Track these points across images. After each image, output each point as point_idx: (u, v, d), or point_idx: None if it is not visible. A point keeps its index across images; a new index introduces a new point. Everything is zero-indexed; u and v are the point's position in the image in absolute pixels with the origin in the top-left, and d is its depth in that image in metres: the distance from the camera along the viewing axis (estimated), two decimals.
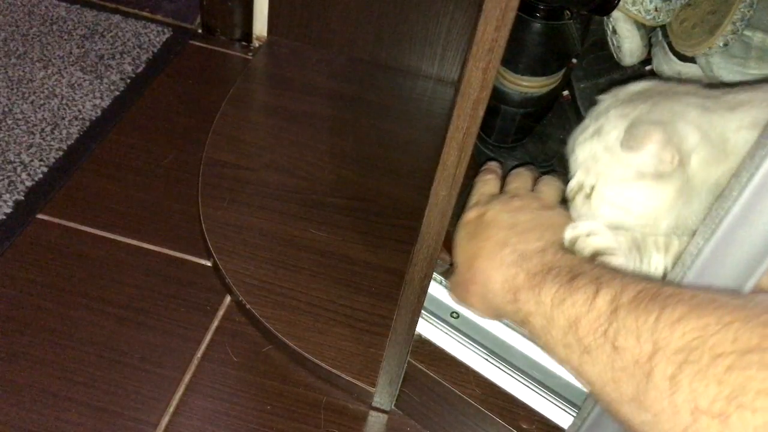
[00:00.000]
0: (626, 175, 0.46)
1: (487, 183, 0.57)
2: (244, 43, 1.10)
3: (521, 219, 0.49)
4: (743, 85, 0.50)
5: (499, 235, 0.48)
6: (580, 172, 0.50)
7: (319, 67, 1.05)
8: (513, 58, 0.71)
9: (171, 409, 0.64)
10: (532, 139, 0.81)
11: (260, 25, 1.09)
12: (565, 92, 0.84)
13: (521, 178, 0.57)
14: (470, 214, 0.53)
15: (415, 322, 0.57)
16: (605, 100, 0.54)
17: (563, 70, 0.75)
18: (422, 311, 0.64)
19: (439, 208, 0.49)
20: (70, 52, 1.00)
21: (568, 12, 0.69)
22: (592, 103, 0.78)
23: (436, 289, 0.67)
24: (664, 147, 0.43)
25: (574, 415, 0.58)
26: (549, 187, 0.55)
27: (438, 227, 0.50)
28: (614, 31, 0.75)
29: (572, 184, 0.50)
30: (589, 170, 0.49)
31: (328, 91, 1.02)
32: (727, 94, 0.48)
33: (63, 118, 0.89)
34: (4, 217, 0.77)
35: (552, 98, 0.77)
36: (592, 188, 0.48)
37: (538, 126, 0.80)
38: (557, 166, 0.81)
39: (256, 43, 1.10)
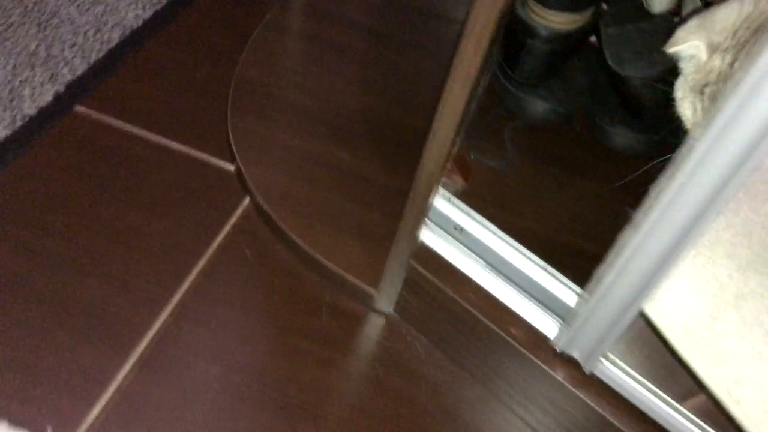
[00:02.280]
0: None
1: None
2: None
3: None
4: None
5: None
6: None
7: (357, 4, 1.07)
8: None
9: (183, 289, 0.69)
10: (556, 79, 0.82)
11: None
12: (593, 38, 0.85)
13: None
14: None
15: (421, 219, 0.60)
16: None
17: (592, 9, 0.76)
18: (429, 223, 0.68)
19: (453, 105, 0.52)
20: None
21: None
22: (618, 49, 0.80)
23: (444, 205, 0.70)
24: None
25: (558, 324, 0.60)
26: None
27: (450, 122, 0.53)
28: None
29: None
30: None
31: (363, 26, 1.04)
32: None
33: (105, 24, 0.93)
34: (44, 105, 0.81)
35: (579, 37, 0.79)
36: None
37: (563, 66, 0.82)
38: (581, 105, 0.83)
39: None
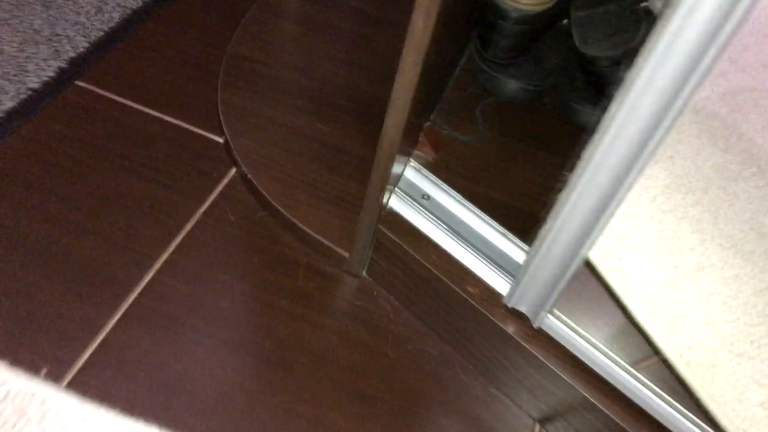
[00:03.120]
0: None
1: None
2: None
3: None
4: None
5: None
6: None
7: None
8: None
9: (171, 249, 0.74)
10: (528, 58, 0.87)
11: None
12: (565, 21, 0.89)
13: None
14: None
15: (385, 184, 0.65)
16: None
17: None
18: (398, 192, 0.73)
19: (407, 75, 0.56)
20: None
21: None
22: (586, 31, 0.84)
23: (413, 175, 0.75)
24: None
25: (510, 282, 0.65)
26: None
27: (406, 93, 0.57)
28: None
29: None
30: None
31: (353, 8, 1.09)
32: None
33: (107, 4, 0.99)
34: (48, 79, 0.87)
35: (547, 19, 0.83)
36: None
37: (533, 46, 0.86)
38: (551, 84, 0.87)
39: None
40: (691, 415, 0.64)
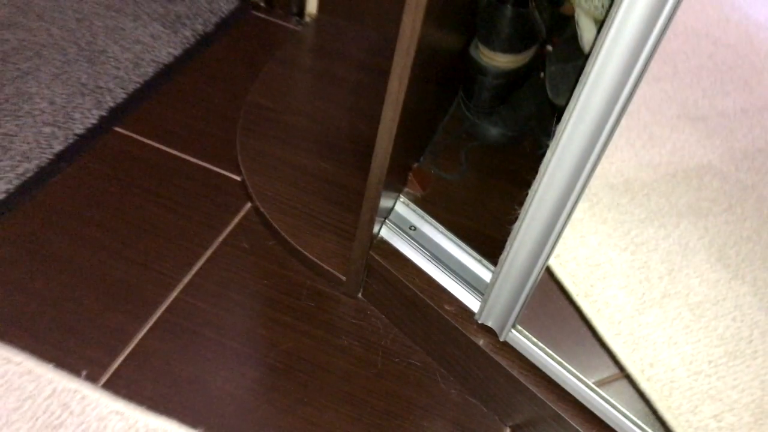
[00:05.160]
0: None
1: None
2: (297, 17, 1.32)
3: None
4: None
5: None
6: None
7: (355, 41, 1.26)
8: (489, 38, 0.89)
9: (193, 272, 0.86)
10: (506, 107, 0.98)
11: (312, 4, 1.31)
12: (542, 74, 1.01)
13: None
14: None
15: (373, 217, 0.76)
16: None
17: (531, 51, 0.92)
18: (389, 223, 0.84)
19: (387, 127, 0.68)
20: (155, 11, 1.24)
21: (533, 2, 0.87)
22: (557, 83, 0.96)
23: (403, 209, 0.86)
24: None
25: (481, 300, 0.76)
26: None
27: (387, 143, 0.69)
28: (577, 24, 0.92)
29: None
30: None
31: (358, 60, 1.22)
32: None
33: (143, 60, 1.13)
34: (91, 126, 1.01)
35: (522, 74, 0.95)
36: None
37: (511, 96, 0.98)
38: (528, 129, 0.98)
39: (307, 19, 1.32)
40: (645, 427, 0.73)
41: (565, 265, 0.90)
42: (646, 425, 0.74)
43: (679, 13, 0.49)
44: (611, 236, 1.00)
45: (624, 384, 0.83)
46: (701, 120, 1.21)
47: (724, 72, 1.28)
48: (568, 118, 0.56)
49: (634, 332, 0.89)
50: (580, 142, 0.56)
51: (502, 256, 0.69)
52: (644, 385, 0.83)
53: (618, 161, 1.08)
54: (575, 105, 0.55)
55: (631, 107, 0.56)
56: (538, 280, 0.69)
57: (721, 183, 1.16)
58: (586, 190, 0.60)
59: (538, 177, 0.61)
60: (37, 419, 0.70)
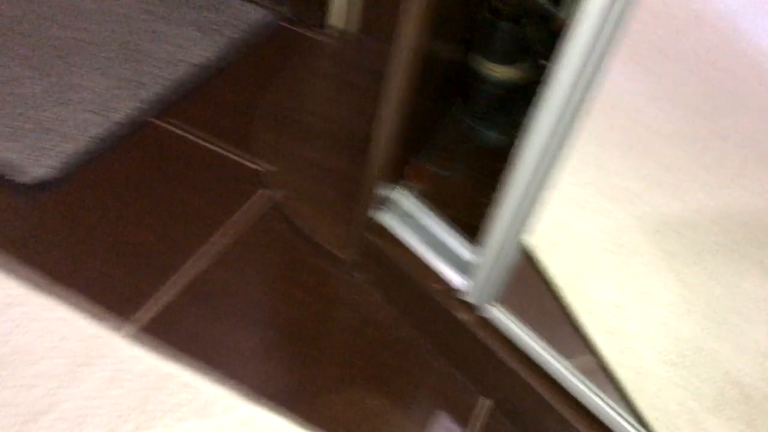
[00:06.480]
0: None
1: None
2: (321, 29, 1.43)
3: None
4: None
5: None
6: None
7: (372, 52, 1.36)
8: (485, 49, 0.99)
9: (216, 246, 0.96)
10: (502, 113, 1.08)
11: (335, 17, 1.42)
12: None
13: None
14: None
15: (369, 202, 0.86)
16: None
17: (525, 64, 1.02)
18: (385, 210, 0.93)
19: (387, 123, 0.78)
20: (190, 17, 1.36)
21: (525, 18, 0.97)
22: None
23: (400, 199, 0.96)
24: None
25: (465, 279, 0.84)
26: None
27: (385, 137, 0.79)
28: None
29: None
30: None
31: (373, 70, 1.33)
32: None
33: (177, 60, 1.25)
34: (127, 115, 1.12)
35: (517, 84, 1.04)
36: None
37: (507, 104, 1.08)
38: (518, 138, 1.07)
39: (331, 31, 1.43)
40: (612, 403, 0.80)
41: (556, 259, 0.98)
42: (614, 402, 0.81)
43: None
44: (600, 239, 1.08)
45: (596, 366, 0.90)
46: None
47: None
48: (537, 112, 0.65)
49: (610, 322, 0.96)
50: (546, 129, 0.65)
51: (482, 236, 0.78)
52: (617, 370, 0.90)
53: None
54: (544, 102, 0.64)
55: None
56: (514, 258, 0.77)
57: (707, 199, 1.23)
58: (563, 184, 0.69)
59: (510, 171, 0.70)
60: (70, 357, 0.80)
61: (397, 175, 0.96)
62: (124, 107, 1.13)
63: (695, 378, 0.94)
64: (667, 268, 1.08)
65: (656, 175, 1.24)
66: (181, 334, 0.86)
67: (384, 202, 0.94)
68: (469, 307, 0.84)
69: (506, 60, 0.99)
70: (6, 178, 0.98)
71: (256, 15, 1.40)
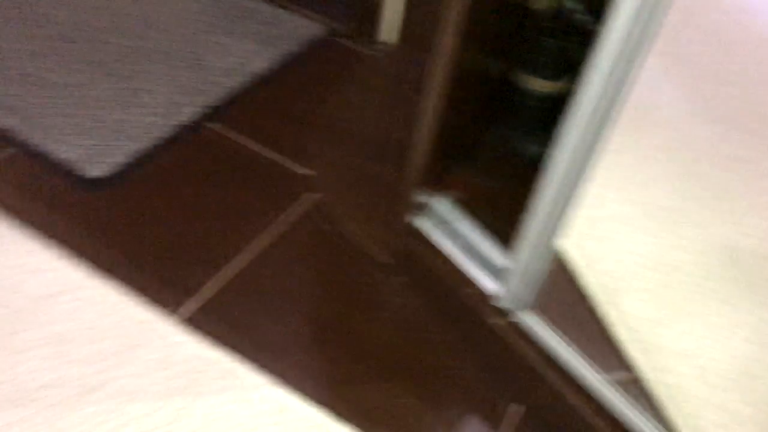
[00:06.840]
0: None
1: None
2: (371, 44, 1.48)
3: None
4: None
5: None
6: None
7: (418, 67, 1.41)
8: (530, 65, 1.02)
9: (263, 243, 1.02)
10: (544, 126, 1.10)
11: (386, 33, 1.47)
12: None
13: None
14: None
15: (406, 209, 0.89)
16: None
17: (566, 78, 1.04)
18: (425, 217, 0.97)
19: (423, 134, 0.82)
20: (250, 30, 1.44)
21: (567, 34, 0.99)
22: None
23: (438, 207, 0.99)
24: None
25: (499, 286, 0.87)
26: None
27: (424, 146, 0.82)
28: None
29: None
30: None
31: (417, 83, 1.37)
32: None
33: (236, 70, 1.32)
34: (187, 120, 1.19)
35: (558, 98, 1.06)
36: None
37: (548, 117, 1.10)
38: None
39: (380, 46, 1.48)
40: (648, 419, 0.80)
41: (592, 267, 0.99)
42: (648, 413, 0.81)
43: None
44: (649, 257, 1.08)
45: (634, 384, 0.90)
46: None
47: None
48: (570, 117, 0.68)
49: (650, 339, 0.96)
50: (576, 137, 0.68)
51: (515, 248, 0.80)
52: (653, 386, 0.90)
53: None
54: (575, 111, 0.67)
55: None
56: (546, 265, 0.79)
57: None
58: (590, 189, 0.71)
59: (541, 185, 0.72)
60: (125, 339, 0.86)
61: (435, 183, 0.99)
62: (185, 112, 1.21)
63: (738, 401, 0.93)
64: (711, 289, 1.07)
65: (706, 198, 1.23)
66: (225, 324, 0.91)
67: (421, 209, 0.97)
68: (502, 313, 0.87)
69: (549, 75, 1.01)
70: (74, 172, 1.06)
71: (311, 30, 1.47)
